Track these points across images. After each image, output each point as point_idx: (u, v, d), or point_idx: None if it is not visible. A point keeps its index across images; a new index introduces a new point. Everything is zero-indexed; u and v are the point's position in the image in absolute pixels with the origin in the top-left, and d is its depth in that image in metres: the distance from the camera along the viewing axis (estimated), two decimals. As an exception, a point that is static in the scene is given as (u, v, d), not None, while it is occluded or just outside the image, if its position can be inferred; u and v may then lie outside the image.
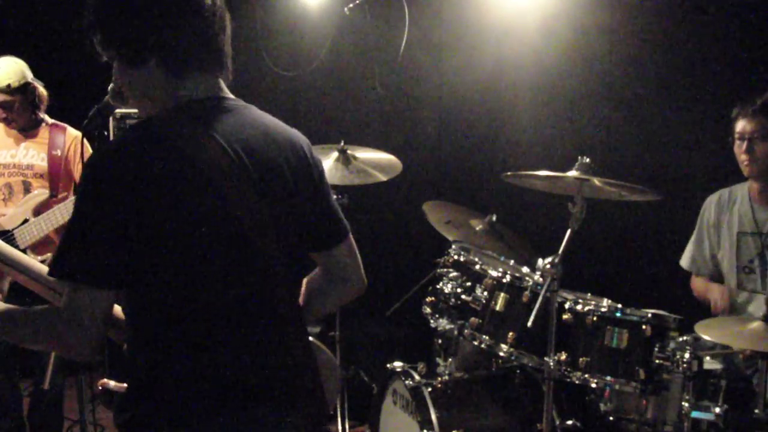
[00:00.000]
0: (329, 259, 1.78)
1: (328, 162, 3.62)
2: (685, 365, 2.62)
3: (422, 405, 2.94)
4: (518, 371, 3.18)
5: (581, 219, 2.64)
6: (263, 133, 1.60)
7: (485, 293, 2.94)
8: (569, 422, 2.95)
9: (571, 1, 4.00)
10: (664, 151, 3.84)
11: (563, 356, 2.73)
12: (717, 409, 2.59)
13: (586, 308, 2.78)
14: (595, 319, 2.75)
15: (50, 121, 3.55)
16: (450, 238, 3.36)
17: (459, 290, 3.05)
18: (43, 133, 3.52)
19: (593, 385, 2.74)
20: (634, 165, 3.87)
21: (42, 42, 4.93)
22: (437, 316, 3.12)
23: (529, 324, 2.58)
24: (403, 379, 3.06)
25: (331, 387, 1.83)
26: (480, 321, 2.93)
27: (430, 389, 3.00)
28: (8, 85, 3.34)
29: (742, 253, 3.11)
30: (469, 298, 3.00)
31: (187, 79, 1.56)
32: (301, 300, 1.78)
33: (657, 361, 2.68)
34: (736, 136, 3.03)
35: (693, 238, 3.32)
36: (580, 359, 2.73)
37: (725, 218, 3.19)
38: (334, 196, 1.70)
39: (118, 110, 1.88)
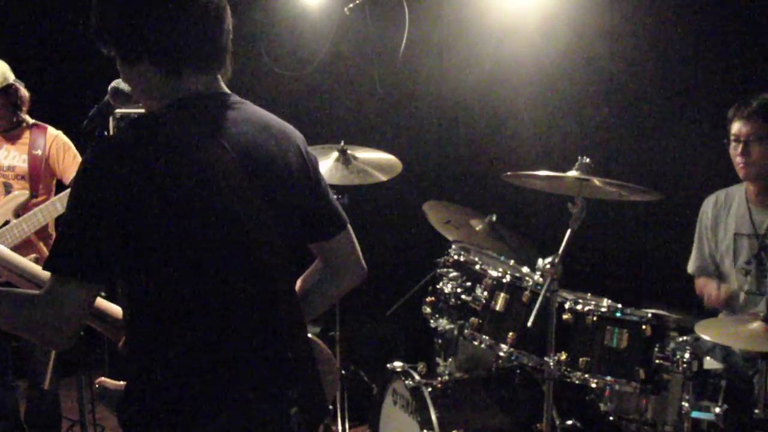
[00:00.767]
0: (328, 249, 1.79)
1: (328, 162, 3.62)
2: (685, 365, 2.61)
3: (422, 405, 2.94)
4: (518, 371, 3.18)
5: (581, 219, 2.64)
6: (261, 129, 1.60)
7: (485, 293, 2.94)
8: (569, 422, 2.95)
9: (571, 1, 4.00)
10: (664, 151, 3.83)
11: (563, 356, 2.73)
12: (717, 409, 2.59)
13: (586, 308, 2.78)
14: (595, 319, 2.75)
15: (31, 121, 3.52)
16: (450, 238, 3.36)
17: (459, 290, 3.05)
18: (24, 133, 3.50)
19: (593, 385, 2.74)
20: (634, 165, 3.87)
21: (42, 42, 4.93)
22: (437, 316, 3.13)
23: (529, 324, 2.58)
24: (403, 379, 3.06)
25: (330, 382, 1.84)
26: (480, 321, 2.93)
27: (430, 389, 3.00)
28: None
29: (739, 255, 3.11)
30: (469, 298, 3.00)
31: (183, 78, 1.56)
32: (302, 292, 1.79)
33: (657, 361, 2.68)
34: (732, 137, 3.03)
35: (695, 242, 3.32)
36: (580, 359, 2.73)
37: (722, 220, 3.19)
38: (335, 196, 1.70)
39: (118, 110, 1.88)
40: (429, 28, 4.44)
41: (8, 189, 3.41)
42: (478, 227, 3.45)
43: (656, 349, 2.69)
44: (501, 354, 2.86)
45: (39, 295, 1.46)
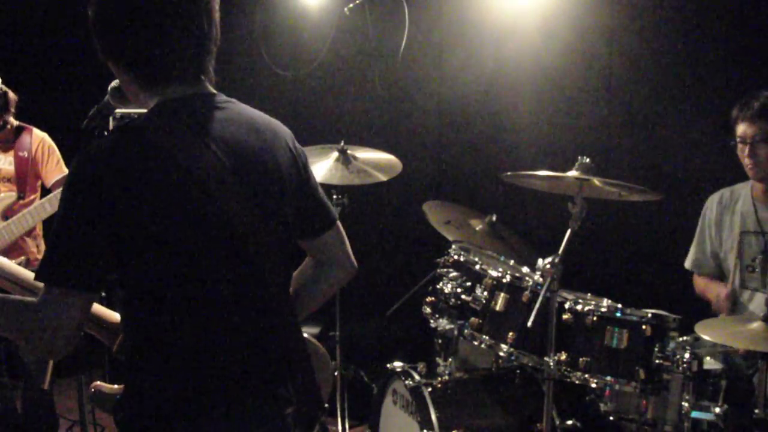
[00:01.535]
0: (318, 246, 1.79)
1: (328, 162, 3.61)
2: (685, 365, 2.62)
3: (422, 405, 2.94)
4: (518, 371, 3.18)
5: (581, 219, 2.64)
6: (248, 128, 1.60)
7: (485, 293, 2.94)
8: (569, 422, 2.95)
9: (571, 1, 4.00)
10: (664, 151, 3.83)
11: (563, 356, 2.73)
12: (717, 409, 2.59)
13: (586, 308, 2.77)
14: (595, 319, 2.75)
15: (16, 123, 3.52)
16: (450, 238, 3.35)
17: (459, 290, 3.04)
18: (9, 136, 3.50)
19: (593, 385, 2.74)
20: (634, 165, 3.87)
21: (42, 42, 4.93)
22: (437, 316, 3.12)
23: (529, 324, 2.58)
24: (403, 379, 3.06)
25: (325, 381, 1.84)
26: (480, 321, 2.93)
27: (430, 389, 3.00)
28: None
29: (744, 252, 3.12)
30: (469, 298, 2.99)
31: (160, 87, 1.55)
32: (294, 290, 1.78)
33: (657, 361, 2.68)
34: (738, 139, 3.03)
35: (695, 238, 3.32)
36: (580, 359, 2.73)
37: (728, 217, 3.20)
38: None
39: (118, 110, 1.88)
40: (429, 28, 4.44)
41: None
42: (478, 227, 3.45)
43: (656, 349, 2.69)
44: (501, 354, 2.86)
45: (34, 305, 1.45)
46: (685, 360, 2.62)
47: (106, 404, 1.64)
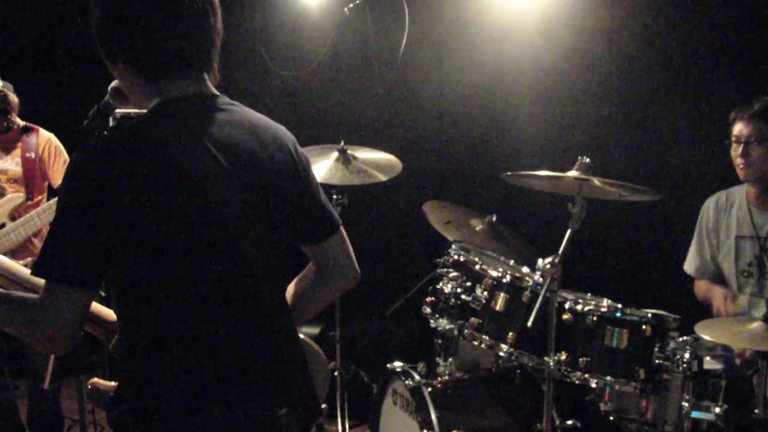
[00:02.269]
0: (321, 252, 1.78)
1: (328, 162, 3.61)
2: (685, 365, 2.62)
3: (422, 405, 2.94)
4: (518, 371, 3.18)
5: (581, 219, 2.63)
6: (247, 131, 1.59)
7: (485, 293, 2.94)
8: (569, 422, 2.95)
9: (571, 1, 4.00)
10: (664, 151, 3.83)
11: (563, 356, 2.73)
12: (717, 409, 2.59)
13: (586, 308, 2.77)
14: (595, 319, 2.75)
15: (22, 124, 3.52)
16: (450, 238, 3.35)
17: (459, 290, 3.04)
18: (15, 137, 3.50)
19: (593, 385, 2.74)
20: (634, 165, 3.87)
21: (42, 42, 4.93)
22: (437, 316, 3.12)
23: (529, 324, 2.58)
24: (403, 379, 3.07)
25: (321, 381, 1.84)
26: (480, 321, 2.93)
27: (430, 389, 3.00)
28: None
29: (740, 257, 3.11)
30: (469, 298, 2.99)
31: (163, 81, 1.55)
32: (295, 298, 1.79)
33: (657, 361, 2.68)
34: (733, 139, 3.02)
35: (693, 243, 3.31)
36: (580, 359, 2.73)
37: (723, 221, 3.19)
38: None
39: (118, 110, 1.88)
40: (429, 28, 4.44)
41: (1, 192, 3.42)
42: (478, 227, 3.45)
43: (656, 349, 2.69)
44: (501, 354, 2.86)
45: (36, 301, 1.46)
46: (685, 360, 2.62)
47: (103, 401, 1.65)
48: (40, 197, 3.49)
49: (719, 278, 3.24)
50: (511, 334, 2.83)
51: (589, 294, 3.11)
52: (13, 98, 3.48)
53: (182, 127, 1.51)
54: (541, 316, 2.61)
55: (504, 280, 2.91)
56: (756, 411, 2.54)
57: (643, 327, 2.71)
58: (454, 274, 3.11)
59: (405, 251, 4.55)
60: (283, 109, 4.75)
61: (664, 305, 2.88)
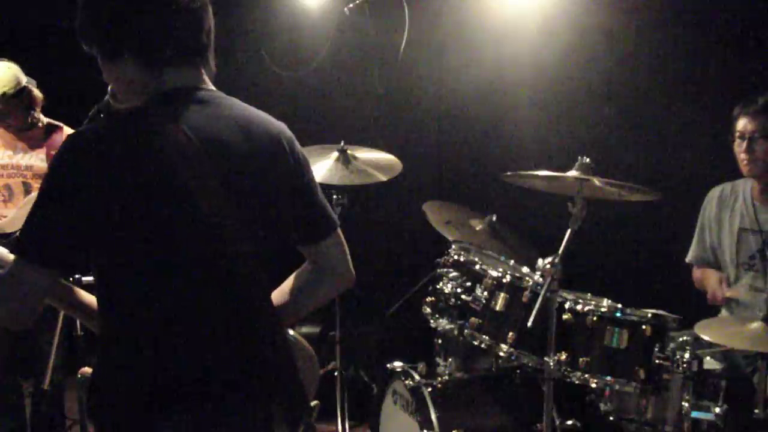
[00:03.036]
0: (317, 253, 1.77)
1: (328, 162, 3.61)
2: (685, 365, 2.61)
3: (422, 405, 2.94)
4: (518, 371, 3.17)
5: (581, 219, 2.63)
6: (237, 126, 1.59)
7: (485, 293, 2.94)
8: (569, 422, 2.95)
9: (571, 1, 4.00)
10: (664, 151, 3.84)
11: (563, 356, 2.73)
12: (717, 409, 2.59)
13: (586, 308, 2.77)
14: (595, 319, 2.75)
15: (46, 120, 3.53)
16: (450, 238, 3.35)
17: (459, 290, 3.04)
18: (41, 133, 3.51)
19: (593, 385, 2.74)
20: (634, 165, 3.87)
21: (41, 42, 4.93)
22: (437, 316, 3.12)
23: (529, 324, 2.58)
24: (403, 379, 3.06)
25: (310, 379, 1.83)
26: (480, 321, 2.93)
27: (430, 389, 3.00)
28: (3, 94, 3.32)
29: (742, 249, 3.12)
30: (469, 298, 2.99)
31: (164, 73, 1.58)
32: (289, 296, 1.78)
33: (657, 361, 2.68)
34: (737, 134, 3.03)
35: (696, 233, 3.33)
36: (580, 359, 2.73)
37: (726, 213, 3.20)
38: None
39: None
40: (429, 28, 4.44)
41: (27, 188, 3.44)
42: (478, 227, 3.45)
43: (656, 349, 2.69)
44: (501, 354, 2.86)
45: (2, 274, 1.50)
46: (685, 360, 2.62)
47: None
48: None
49: (717, 268, 3.25)
50: (511, 334, 2.83)
51: (589, 294, 3.10)
52: (37, 94, 3.49)
53: (168, 118, 1.52)
54: (541, 316, 2.60)
55: (504, 280, 2.91)
56: (756, 411, 2.54)
57: (643, 327, 2.71)
58: (454, 274, 3.10)
59: (405, 251, 4.55)
60: (283, 109, 4.72)
61: (664, 305, 2.88)
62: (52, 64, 4.72)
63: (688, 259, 3.36)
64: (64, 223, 1.46)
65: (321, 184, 1.80)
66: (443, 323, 3.08)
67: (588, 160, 2.67)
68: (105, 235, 1.47)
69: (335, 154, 3.64)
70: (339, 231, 1.78)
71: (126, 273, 1.50)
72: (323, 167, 3.56)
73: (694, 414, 2.60)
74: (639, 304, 2.82)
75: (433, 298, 3.16)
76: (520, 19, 4.12)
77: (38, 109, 3.50)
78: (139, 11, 1.53)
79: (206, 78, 1.64)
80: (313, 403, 1.86)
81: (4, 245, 1.69)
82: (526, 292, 2.83)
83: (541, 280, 2.71)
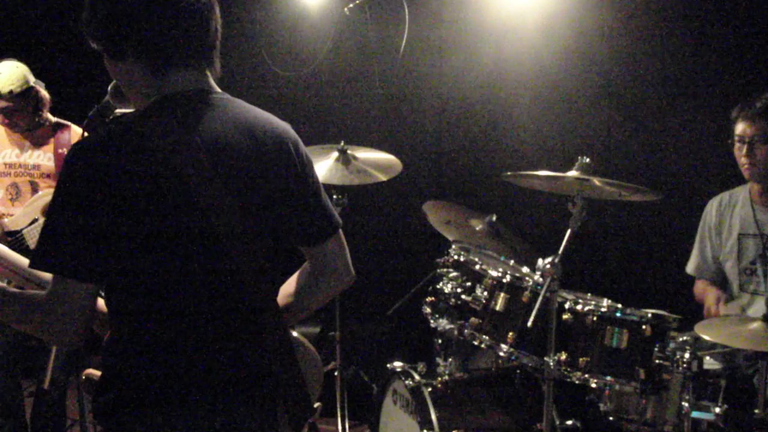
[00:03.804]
0: (319, 254, 1.77)
1: (328, 162, 3.61)
2: (685, 365, 2.61)
3: (422, 405, 2.94)
4: (518, 371, 3.18)
5: (581, 219, 2.63)
6: (244, 128, 1.59)
7: (485, 293, 2.94)
8: (569, 422, 2.95)
9: (571, 1, 4.01)
10: (664, 151, 3.84)
11: (563, 356, 2.73)
12: (717, 409, 2.59)
13: (586, 308, 2.77)
14: (595, 319, 2.75)
15: (53, 119, 3.54)
16: (450, 238, 3.35)
17: (459, 290, 3.04)
18: (48, 133, 3.52)
19: (593, 385, 2.74)
20: (634, 165, 3.87)
21: (42, 42, 4.93)
22: (437, 316, 3.12)
23: (529, 324, 2.58)
24: (403, 379, 3.06)
25: (313, 380, 1.83)
26: (480, 321, 2.93)
27: (430, 389, 3.00)
28: (10, 92, 3.32)
29: (743, 255, 3.11)
30: (469, 298, 2.99)
31: (169, 75, 1.57)
32: (291, 297, 1.78)
33: (657, 361, 2.67)
34: (736, 138, 3.02)
35: (696, 243, 3.31)
36: (580, 359, 2.73)
37: (726, 221, 3.19)
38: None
39: (118, 110, 1.88)
40: (429, 28, 4.44)
41: (35, 187, 3.44)
42: (478, 227, 3.45)
43: (656, 349, 2.68)
44: (501, 354, 2.86)
45: (43, 296, 1.48)
46: (685, 360, 2.62)
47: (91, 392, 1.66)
48: None
49: (720, 277, 3.24)
50: (511, 334, 2.83)
51: (589, 294, 3.11)
52: (45, 94, 3.49)
53: (176, 123, 1.51)
54: (541, 316, 2.61)
55: (504, 280, 2.91)
56: (756, 411, 2.54)
57: (643, 327, 2.71)
58: (454, 274, 3.11)
59: (405, 251, 4.55)
60: (283, 109, 4.72)
61: (664, 305, 2.88)
62: (52, 65, 4.73)
63: (689, 270, 3.34)
64: (87, 231, 1.44)
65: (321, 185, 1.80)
66: (443, 323, 3.08)
67: (588, 160, 2.67)
68: (120, 240, 1.46)
69: (335, 154, 3.64)
70: (341, 232, 1.79)
71: (138, 276, 1.50)
72: (323, 167, 3.56)
73: (694, 414, 2.59)
74: (639, 304, 2.82)
75: (433, 298, 3.16)
76: (520, 19, 4.12)
77: (45, 110, 3.50)
78: (145, 13, 1.52)
79: (211, 80, 1.64)
80: (316, 404, 1.86)
81: (13, 249, 1.69)
82: (526, 292, 2.83)
83: (541, 280, 2.71)
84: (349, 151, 3.66)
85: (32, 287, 1.74)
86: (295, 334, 1.76)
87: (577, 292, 3.07)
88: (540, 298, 2.60)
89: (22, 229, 3.30)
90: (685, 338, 2.72)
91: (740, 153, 3.01)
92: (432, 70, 4.50)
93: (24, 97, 3.38)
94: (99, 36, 1.57)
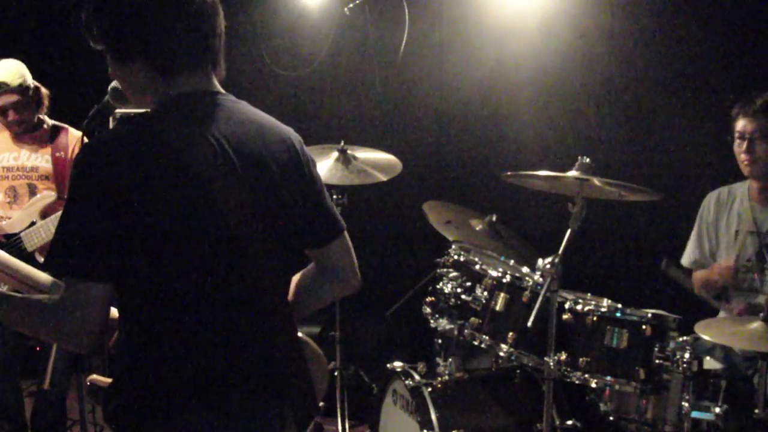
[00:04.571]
0: (323, 256, 1.77)
1: (328, 162, 3.61)
2: (685, 365, 2.61)
3: (422, 405, 2.94)
4: (518, 371, 3.18)
5: (581, 219, 2.63)
6: (252, 129, 1.60)
7: (485, 293, 2.94)
8: (569, 422, 2.95)
9: (571, 1, 4.01)
10: (664, 151, 3.84)
11: (563, 356, 2.73)
12: (717, 409, 2.59)
13: (586, 308, 2.77)
14: (595, 319, 2.75)
15: (51, 122, 3.54)
16: (450, 238, 3.35)
17: (459, 290, 3.04)
18: (45, 135, 3.51)
19: (593, 385, 2.74)
20: (634, 165, 3.87)
21: (42, 42, 4.93)
22: (437, 316, 3.12)
23: (529, 324, 2.58)
24: (403, 379, 3.07)
25: (320, 380, 1.83)
26: (480, 321, 2.93)
27: (430, 389, 3.00)
28: (20, 84, 3.30)
29: (740, 252, 3.11)
30: (469, 298, 2.99)
31: (176, 77, 1.57)
32: (293, 295, 1.78)
33: (657, 361, 2.68)
34: (736, 135, 3.03)
35: (693, 236, 3.32)
36: (580, 359, 2.73)
37: (724, 216, 3.20)
38: (334, 196, 1.69)
39: (118, 110, 1.88)
40: (429, 28, 4.45)
41: (33, 190, 3.43)
42: (478, 227, 3.45)
43: (656, 349, 2.69)
44: (501, 354, 2.86)
45: (56, 300, 1.46)
46: (685, 360, 2.62)
47: (102, 398, 1.65)
48: None
49: None
50: (511, 334, 2.83)
51: (589, 294, 3.11)
52: (45, 92, 3.49)
53: (187, 122, 1.52)
54: (541, 316, 2.61)
55: (504, 280, 2.91)
56: (756, 411, 2.54)
57: (643, 327, 2.71)
58: (454, 274, 3.11)
59: (405, 251, 4.55)
60: (283, 109, 4.74)
61: (664, 305, 2.88)
62: (52, 65, 4.73)
63: (684, 263, 3.34)
64: (101, 232, 1.43)
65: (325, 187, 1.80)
66: (443, 323, 3.08)
67: (588, 160, 2.67)
68: (135, 238, 1.45)
69: (335, 154, 3.64)
70: (346, 234, 1.78)
71: (153, 276, 1.49)
72: (323, 167, 3.56)
73: (694, 414, 2.60)
74: (639, 304, 2.82)
75: (433, 298, 3.16)
76: (520, 19, 4.12)
77: (44, 110, 3.50)
78: (153, 16, 1.52)
79: (216, 82, 1.64)
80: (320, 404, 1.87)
81: (11, 251, 1.69)
82: (526, 292, 2.83)
83: (541, 280, 2.71)
84: (349, 151, 3.66)
85: (30, 291, 1.73)
86: (300, 334, 1.76)
87: (577, 292, 3.07)
88: (540, 298, 2.60)
89: (19, 232, 3.29)
90: (685, 338, 2.73)
91: (740, 149, 3.02)
92: (432, 70, 4.50)
93: (23, 95, 3.36)
94: (105, 37, 1.56)
